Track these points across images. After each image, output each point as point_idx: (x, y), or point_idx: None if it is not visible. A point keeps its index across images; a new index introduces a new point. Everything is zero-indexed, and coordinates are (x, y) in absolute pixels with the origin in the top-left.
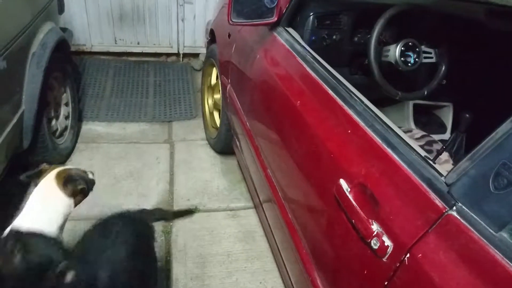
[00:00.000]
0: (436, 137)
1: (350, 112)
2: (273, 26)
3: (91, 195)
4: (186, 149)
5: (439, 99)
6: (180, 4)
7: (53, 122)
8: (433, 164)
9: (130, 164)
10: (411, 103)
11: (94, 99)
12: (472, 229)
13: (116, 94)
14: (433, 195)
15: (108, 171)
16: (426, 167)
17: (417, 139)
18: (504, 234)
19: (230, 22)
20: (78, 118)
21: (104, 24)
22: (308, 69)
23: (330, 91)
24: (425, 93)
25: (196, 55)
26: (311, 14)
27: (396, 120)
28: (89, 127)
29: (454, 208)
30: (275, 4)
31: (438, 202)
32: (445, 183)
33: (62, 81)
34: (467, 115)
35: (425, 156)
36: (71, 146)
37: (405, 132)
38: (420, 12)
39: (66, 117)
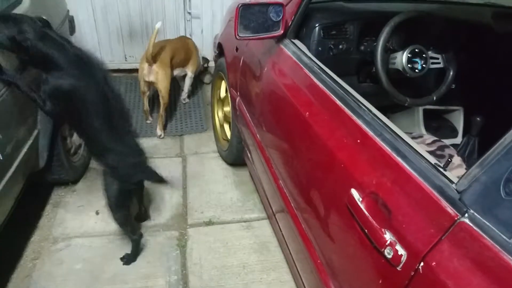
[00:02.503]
0: (447, 141)
1: (359, 121)
2: (279, 39)
3: (106, 211)
4: (198, 162)
5: (449, 104)
6: (188, 20)
7: (68, 140)
8: (444, 171)
9: None
10: (421, 108)
11: None
12: (485, 236)
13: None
14: (444, 203)
15: None
16: (436, 175)
17: (428, 144)
18: None
19: (237, 37)
20: None
21: (114, 42)
22: (315, 80)
23: (338, 102)
24: (434, 98)
25: (205, 69)
26: (317, 25)
27: (406, 126)
28: None
29: (466, 215)
30: (281, 17)
31: (449, 209)
32: (456, 190)
33: None
34: (478, 119)
35: (435, 163)
36: (86, 164)
37: (416, 137)
38: (426, 18)
39: None
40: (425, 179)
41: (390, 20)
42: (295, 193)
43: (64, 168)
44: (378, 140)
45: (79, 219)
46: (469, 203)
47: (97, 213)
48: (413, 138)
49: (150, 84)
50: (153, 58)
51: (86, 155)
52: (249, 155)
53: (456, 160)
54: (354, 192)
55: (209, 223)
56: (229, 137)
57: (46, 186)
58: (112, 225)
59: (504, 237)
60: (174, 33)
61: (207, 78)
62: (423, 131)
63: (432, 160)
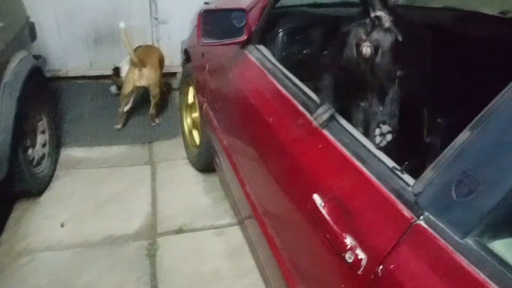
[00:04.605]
0: None
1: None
2: (244, 45)
3: (74, 222)
4: (168, 169)
5: (413, 105)
6: (154, 25)
7: (30, 151)
8: (401, 175)
9: (112, 188)
10: None
11: (72, 124)
12: (439, 237)
13: (95, 118)
14: (401, 206)
15: (90, 197)
16: (394, 178)
17: None
18: (468, 241)
19: (201, 43)
20: (57, 144)
21: (79, 49)
22: (278, 85)
23: (300, 107)
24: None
25: (173, 74)
26: (281, 30)
27: None
28: (68, 153)
29: (422, 217)
30: (244, 23)
31: (406, 212)
32: (413, 193)
33: (38, 109)
34: (439, 120)
35: (393, 166)
36: (50, 174)
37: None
38: None
39: (43, 145)
40: (383, 182)
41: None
42: (262, 199)
43: (26, 179)
44: (338, 144)
45: (44, 232)
46: (424, 206)
47: (62, 225)
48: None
49: (140, 88)
50: (141, 62)
51: (50, 165)
52: (217, 161)
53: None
54: (316, 197)
55: (180, 231)
56: (198, 143)
57: (8, 199)
58: (79, 237)
59: (456, 237)
60: (141, 38)
61: (176, 83)
62: None
63: (390, 163)
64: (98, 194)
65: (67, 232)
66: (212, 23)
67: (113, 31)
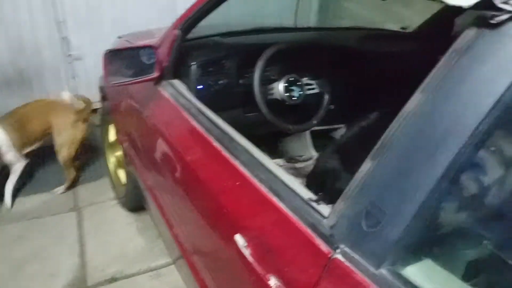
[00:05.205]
0: None
1: (237, 163)
2: (156, 81)
3: None
4: (95, 214)
5: (333, 123)
6: (69, 62)
7: None
8: (316, 207)
9: (34, 243)
10: (308, 131)
11: None
12: (356, 270)
13: None
14: (318, 240)
15: (7, 257)
16: (309, 211)
17: None
18: (383, 271)
19: (109, 84)
20: None
21: None
22: (194, 122)
23: (216, 144)
24: (315, 122)
25: (95, 111)
26: (193, 64)
27: (297, 149)
28: None
29: (338, 250)
30: (154, 60)
31: (323, 246)
32: (328, 225)
33: None
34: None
35: (308, 198)
36: None
37: (306, 160)
38: (297, 48)
39: None
40: (300, 217)
41: (262, 54)
42: (189, 241)
43: None
44: (255, 181)
45: None
46: (339, 238)
47: None
48: (303, 160)
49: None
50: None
51: None
52: (146, 200)
53: None
54: (238, 237)
55: (113, 280)
56: (125, 182)
57: None
58: None
59: (371, 269)
60: (55, 78)
61: (98, 120)
62: (313, 152)
63: (306, 195)
64: (18, 253)
65: None
66: (120, 62)
67: (21, 72)
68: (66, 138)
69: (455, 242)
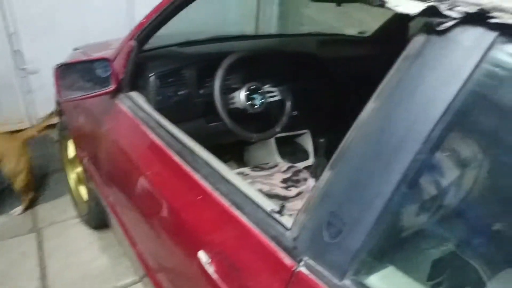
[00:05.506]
0: (301, 164)
1: (197, 177)
2: (113, 94)
3: None
4: (57, 234)
5: (298, 128)
6: (23, 76)
7: None
8: (279, 219)
9: None
10: (273, 138)
11: None
12: (320, 283)
13: None
14: (282, 253)
15: None
16: (272, 224)
17: (283, 172)
18: (346, 282)
19: (62, 99)
20: None
21: None
22: (152, 135)
23: (175, 157)
24: (278, 130)
25: (54, 126)
26: (151, 75)
27: (263, 157)
28: None
29: (302, 263)
30: (110, 72)
31: (287, 260)
32: (291, 237)
33: None
34: (321, 140)
35: (271, 210)
36: None
37: (272, 167)
38: (258, 55)
39: None
40: (263, 230)
41: (221, 63)
42: (153, 259)
43: None
44: (216, 194)
45: None
46: (302, 250)
47: None
48: (269, 168)
49: None
50: None
51: None
52: (109, 217)
53: (311, 182)
54: (201, 254)
55: None
56: (87, 199)
57: None
58: None
59: (335, 280)
60: (9, 94)
61: (56, 135)
62: (278, 159)
63: (268, 207)
64: None
65: None
66: (74, 75)
67: None
68: (18, 166)
69: (416, 246)
